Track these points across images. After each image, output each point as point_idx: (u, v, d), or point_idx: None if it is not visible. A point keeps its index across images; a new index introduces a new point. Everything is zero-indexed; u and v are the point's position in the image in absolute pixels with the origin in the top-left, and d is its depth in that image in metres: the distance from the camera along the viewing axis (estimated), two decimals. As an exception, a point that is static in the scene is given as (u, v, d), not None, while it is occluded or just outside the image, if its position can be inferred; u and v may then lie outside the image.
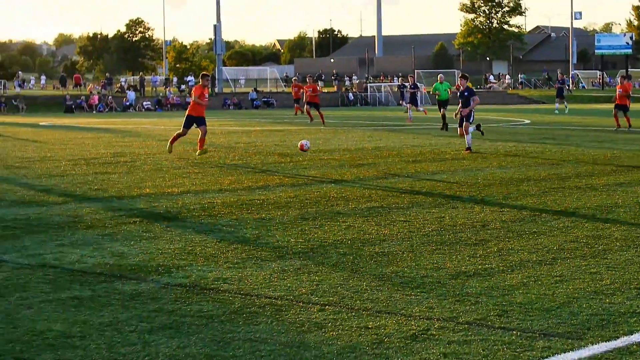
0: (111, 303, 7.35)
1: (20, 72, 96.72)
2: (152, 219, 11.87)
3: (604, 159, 20.15)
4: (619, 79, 35.59)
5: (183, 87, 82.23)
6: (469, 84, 23.51)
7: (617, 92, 31.58)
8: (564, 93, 51.41)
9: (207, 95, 21.57)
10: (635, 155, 20.71)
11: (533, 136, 29.09)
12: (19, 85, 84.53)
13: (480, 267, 8.73)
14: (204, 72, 25.53)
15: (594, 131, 31.59)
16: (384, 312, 7.08)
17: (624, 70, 79.56)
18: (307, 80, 41.97)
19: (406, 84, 43.23)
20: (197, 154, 20.78)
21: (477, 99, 22.50)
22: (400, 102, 61.56)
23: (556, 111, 49.72)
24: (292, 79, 77.02)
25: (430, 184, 15.61)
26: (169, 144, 21.36)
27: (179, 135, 21.19)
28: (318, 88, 45.11)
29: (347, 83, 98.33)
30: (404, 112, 42.69)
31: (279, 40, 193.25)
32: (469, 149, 21.53)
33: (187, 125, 21.04)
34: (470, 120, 21.97)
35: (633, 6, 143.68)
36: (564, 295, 7.53)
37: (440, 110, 32.57)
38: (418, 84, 44.02)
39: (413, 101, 38.34)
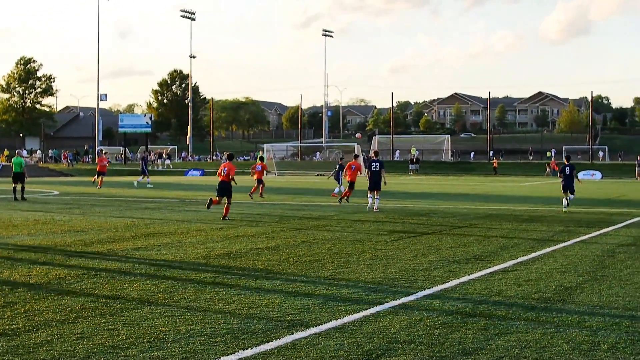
0: None
1: None
2: None
3: (124, 225, 20.27)
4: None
5: None
6: None
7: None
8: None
9: None
10: (152, 223, 21.10)
11: (61, 206, 28.40)
12: None
13: (7, 327, 8.27)
14: None
15: (116, 201, 31.75)
16: None
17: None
18: None
19: None
20: None
21: None
22: None
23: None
24: None
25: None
26: None
27: None
28: None
29: None
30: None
31: None
32: None
33: None
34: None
35: (153, 90, 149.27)
36: (84, 350, 7.39)
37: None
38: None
39: None
